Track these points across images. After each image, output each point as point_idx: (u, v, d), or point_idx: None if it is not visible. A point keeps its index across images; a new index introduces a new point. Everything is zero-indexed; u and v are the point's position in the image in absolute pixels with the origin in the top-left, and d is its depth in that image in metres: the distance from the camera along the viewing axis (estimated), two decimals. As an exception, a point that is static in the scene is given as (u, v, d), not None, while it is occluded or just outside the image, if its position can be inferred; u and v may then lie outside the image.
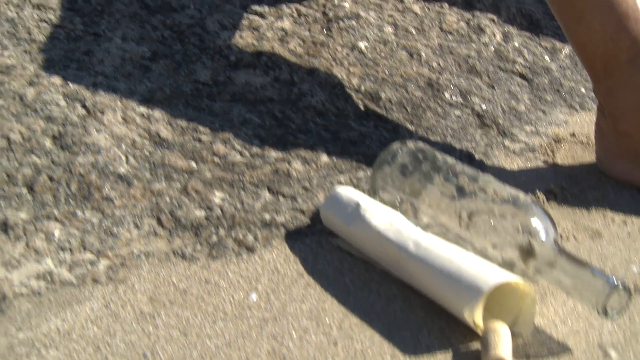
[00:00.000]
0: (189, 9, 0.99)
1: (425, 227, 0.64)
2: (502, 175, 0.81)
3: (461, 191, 0.63)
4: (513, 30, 1.10)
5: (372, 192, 0.71)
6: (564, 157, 0.85)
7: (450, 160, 0.68)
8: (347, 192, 0.68)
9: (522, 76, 1.01)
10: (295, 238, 0.70)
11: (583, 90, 1.01)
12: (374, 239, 0.62)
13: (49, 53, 0.89)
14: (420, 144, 0.71)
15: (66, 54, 0.89)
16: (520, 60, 1.04)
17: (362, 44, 0.99)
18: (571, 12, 0.77)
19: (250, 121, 0.84)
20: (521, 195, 0.61)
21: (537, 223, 0.58)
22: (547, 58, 1.06)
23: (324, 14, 1.03)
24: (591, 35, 0.76)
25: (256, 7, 1.02)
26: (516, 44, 1.07)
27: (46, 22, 0.93)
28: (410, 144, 0.71)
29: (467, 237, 0.61)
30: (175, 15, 0.98)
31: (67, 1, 0.97)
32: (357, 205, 0.65)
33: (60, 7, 0.96)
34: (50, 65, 0.87)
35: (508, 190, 0.62)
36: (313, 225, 0.71)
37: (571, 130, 0.92)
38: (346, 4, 1.05)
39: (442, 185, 0.65)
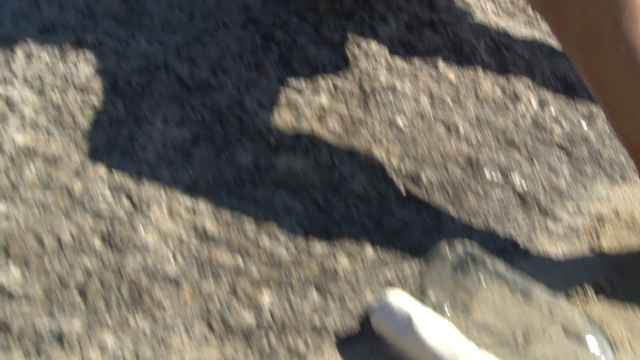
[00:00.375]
0: (227, 86, 1.00)
1: (478, 338, 0.64)
2: (548, 265, 0.81)
3: (514, 306, 0.63)
4: (549, 95, 1.10)
5: (421, 292, 0.72)
6: (609, 241, 0.85)
7: (500, 267, 0.68)
8: (397, 300, 0.68)
9: (560, 147, 1.01)
10: (345, 343, 0.70)
11: (623, 159, 1.00)
12: (428, 357, 0.62)
13: (93, 140, 0.90)
14: (469, 247, 0.71)
15: (110, 140, 0.91)
16: (557, 129, 1.04)
17: (399, 120, 0.99)
18: (615, 104, 0.77)
19: (293, 210, 0.85)
20: (577, 316, 0.61)
21: (595, 349, 0.57)
22: (584, 125, 1.05)
23: (360, 87, 1.03)
24: (637, 128, 0.76)
25: (292, 81, 1.03)
26: (553, 111, 1.07)
27: (89, 105, 0.95)
28: (459, 247, 0.71)
29: (522, 355, 0.60)
30: (214, 95, 0.98)
31: (109, 83, 0.98)
32: (409, 318, 0.65)
33: (102, 89, 0.98)
34: (95, 153, 0.88)
35: (563, 310, 0.61)
36: (362, 328, 0.71)
37: (614, 207, 0.91)
38: (382, 75, 1.06)
39: (493, 296, 0.65)
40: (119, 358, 0.67)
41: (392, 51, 1.11)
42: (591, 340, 0.58)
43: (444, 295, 0.69)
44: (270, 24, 1.11)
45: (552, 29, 0.82)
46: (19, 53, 1.02)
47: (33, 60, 1.02)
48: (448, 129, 1.00)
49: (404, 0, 1.22)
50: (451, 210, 0.88)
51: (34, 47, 1.04)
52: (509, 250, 0.83)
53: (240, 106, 0.97)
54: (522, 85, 1.10)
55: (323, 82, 1.03)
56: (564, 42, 0.81)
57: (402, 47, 1.12)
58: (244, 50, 1.06)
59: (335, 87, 1.03)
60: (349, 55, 1.09)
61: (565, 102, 1.10)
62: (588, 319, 0.60)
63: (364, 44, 1.11)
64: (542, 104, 1.08)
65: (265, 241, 0.80)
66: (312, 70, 1.05)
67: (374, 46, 1.11)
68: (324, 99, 1.00)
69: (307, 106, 0.99)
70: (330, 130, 0.96)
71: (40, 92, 0.96)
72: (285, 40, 1.09)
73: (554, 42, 1.20)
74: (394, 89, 1.04)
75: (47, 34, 1.07)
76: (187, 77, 1.01)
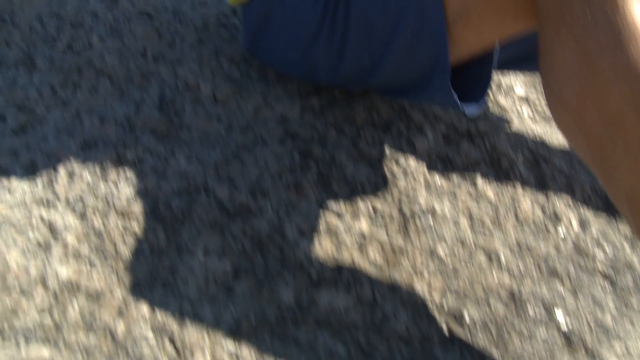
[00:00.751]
0: (267, 211, 1.00)
1: None
2: (599, 422, 0.79)
3: None
4: (589, 214, 1.09)
5: None
6: (660, 393, 0.83)
7: None
8: None
9: (604, 276, 0.99)
10: None
11: (668, 288, 0.98)
12: None
13: (135, 272, 0.90)
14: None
15: (151, 272, 0.91)
16: (600, 254, 1.02)
17: (440, 249, 0.98)
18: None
19: (336, 354, 0.84)
20: None
21: None
22: (627, 249, 1.04)
23: (400, 210, 1.03)
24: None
25: (332, 204, 1.03)
26: (594, 233, 1.05)
27: (130, 232, 0.95)
28: (510, 418, 0.70)
29: None
30: (254, 221, 0.99)
31: (149, 207, 0.99)
32: None
33: (142, 213, 0.98)
34: (137, 288, 0.88)
35: None
36: None
37: (662, 347, 0.89)
38: (421, 197, 1.05)
39: None
40: None
41: (430, 167, 1.11)
42: None
43: None
44: (308, 138, 1.12)
45: (598, 178, 0.81)
46: (62, 172, 1.04)
47: (75, 179, 1.03)
48: (489, 257, 0.99)
49: (440, 109, 1.22)
50: (495, 353, 0.86)
51: (75, 166, 1.05)
52: (557, 403, 0.81)
53: (280, 234, 0.97)
54: (562, 204, 1.09)
55: (362, 205, 1.03)
56: (611, 192, 0.80)
57: (440, 162, 1.12)
58: (282, 169, 1.07)
59: (374, 210, 1.03)
60: (388, 173, 1.09)
61: (607, 221, 1.08)
62: None
63: (402, 160, 1.11)
64: (583, 224, 1.07)
65: (309, 393, 0.79)
66: (351, 191, 1.05)
67: (412, 162, 1.11)
68: (364, 225, 1.00)
69: (347, 233, 0.99)
70: (372, 261, 0.95)
71: (82, 216, 0.97)
72: (323, 156, 1.09)
73: (592, 153, 1.20)
74: (433, 212, 1.04)
75: (88, 150, 1.08)
76: (227, 201, 1.01)
